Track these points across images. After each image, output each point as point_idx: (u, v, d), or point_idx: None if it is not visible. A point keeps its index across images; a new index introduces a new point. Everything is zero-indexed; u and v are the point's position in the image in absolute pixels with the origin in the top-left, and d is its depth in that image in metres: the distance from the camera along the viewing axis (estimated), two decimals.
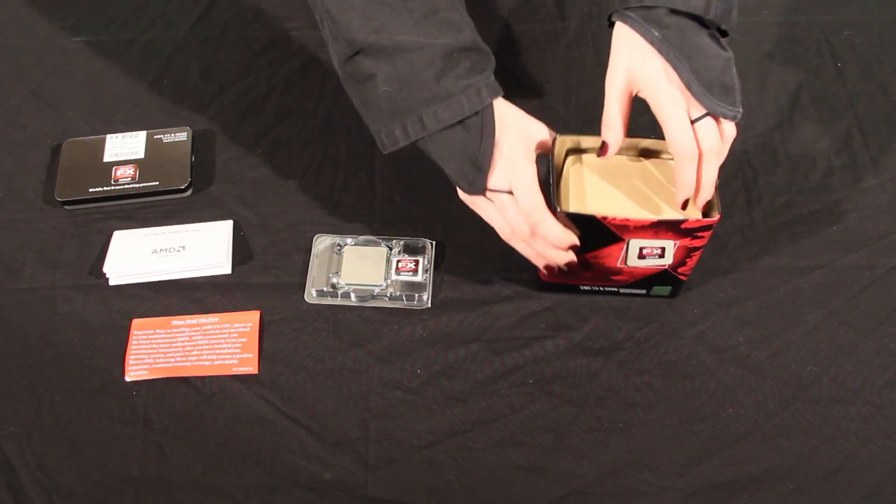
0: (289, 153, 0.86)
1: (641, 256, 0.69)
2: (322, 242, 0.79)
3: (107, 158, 0.84)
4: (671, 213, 0.67)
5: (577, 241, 0.67)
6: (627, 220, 0.65)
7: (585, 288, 0.75)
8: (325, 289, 0.76)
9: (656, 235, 0.66)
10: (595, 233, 0.67)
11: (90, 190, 0.81)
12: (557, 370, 0.72)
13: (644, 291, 0.75)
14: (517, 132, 0.66)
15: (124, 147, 0.84)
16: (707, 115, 0.63)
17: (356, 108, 0.68)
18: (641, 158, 0.71)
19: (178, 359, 0.73)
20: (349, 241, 0.79)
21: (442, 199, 0.82)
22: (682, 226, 0.65)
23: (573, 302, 0.75)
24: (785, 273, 0.77)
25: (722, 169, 0.83)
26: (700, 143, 0.63)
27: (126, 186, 0.82)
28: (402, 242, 0.79)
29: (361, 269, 0.77)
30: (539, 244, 0.68)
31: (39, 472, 0.68)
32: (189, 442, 0.69)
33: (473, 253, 0.79)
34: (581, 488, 0.67)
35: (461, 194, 0.69)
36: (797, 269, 0.77)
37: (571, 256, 0.69)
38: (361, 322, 0.75)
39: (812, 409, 0.70)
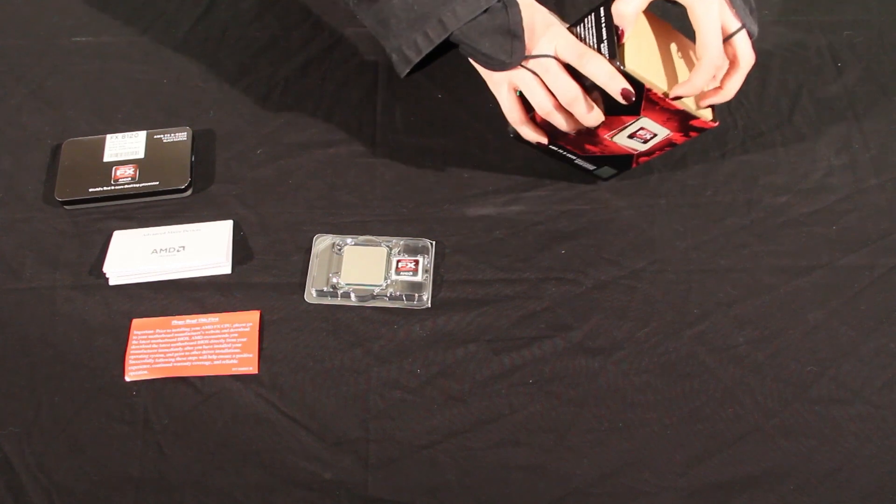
0: (289, 153, 0.86)
1: (632, 136, 0.71)
2: (322, 242, 0.79)
3: (107, 158, 0.84)
4: (689, 105, 0.69)
5: (623, 83, 0.66)
6: (664, 99, 0.66)
7: (553, 148, 0.76)
8: (324, 289, 0.76)
9: (665, 122, 0.69)
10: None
11: (90, 190, 0.81)
12: (557, 370, 0.72)
13: (593, 167, 0.77)
14: (542, 10, 0.69)
15: (124, 147, 0.84)
16: (742, 28, 0.67)
17: (373, 33, 0.71)
18: (679, 33, 0.72)
19: (178, 359, 0.73)
20: (349, 241, 0.79)
21: (442, 199, 0.82)
22: (692, 122, 0.69)
23: (573, 302, 0.76)
24: (785, 273, 0.77)
25: (722, 169, 0.84)
26: (738, 54, 0.68)
27: (126, 186, 0.82)
28: (402, 242, 0.79)
29: (361, 269, 0.77)
30: (579, 107, 0.68)
31: (39, 472, 0.68)
32: (189, 442, 0.69)
33: (473, 253, 0.79)
34: (581, 488, 0.67)
35: (494, 80, 0.71)
36: (797, 269, 0.77)
37: (601, 116, 0.69)
38: (361, 322, 0.75)
39: (812, 409, 0.70)
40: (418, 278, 0.76)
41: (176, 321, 0.75)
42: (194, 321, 0.75)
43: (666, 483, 0.67)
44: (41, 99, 0.90)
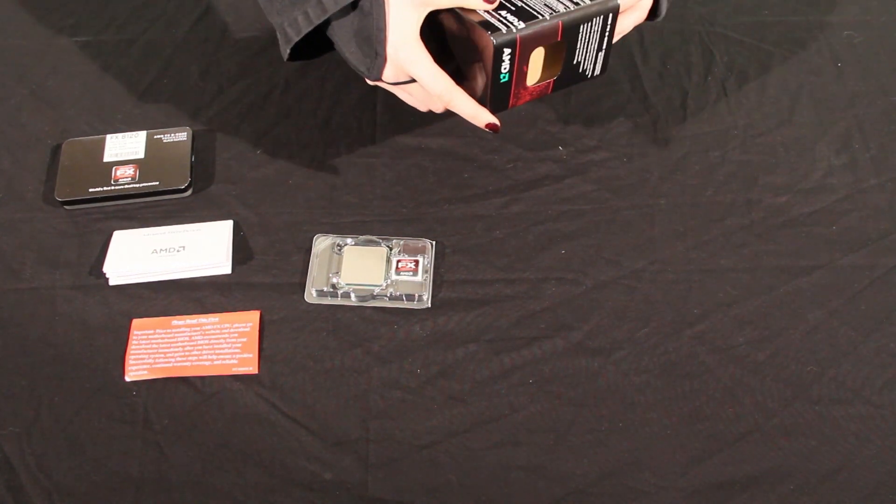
0: (289, 153, 0.86)
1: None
2: (322, 242, 0.79)
3: (107, 158, 0.84)
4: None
5: (493, 120, 0.72)
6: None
7: None
8: (325, 289, 0.76)
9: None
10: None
11: (90, 190, 0.81)
12: (557, 370, 0.72)
13: None
14: (406, 17, 0.68)
15: (124, 147, 0.84)
16: None
17: (264, 10, 0.75)
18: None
19: (178, 359, 0.73)
20: (349, 241, 0.79)
21: (442, 199, 0.82)
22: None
23: (573, 302, 0.76)
24: (785, 273, 0.77)
25: (722, 169, 0.84)
26: None
27: (126, 186, 0.82)
28: (402, 242, 0.79)
29: (361, 269, 0.77)
30: (457, 110, 0.73)
31: (39, 472, 0.68)
32: (189, 442, 0.69)
33: (473, 253, 0.79)
34: (581, 488, 0.67)
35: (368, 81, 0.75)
36: (797, 269, 0.77)
37: (489, 119, 0.73)
38: (361, 322, 0.75)
39: (812, 409, 0.70)
40: (418, 278, 0.76)
41: (176, 321, 0.75)
42: (194, 321, 0.75)
43: (666, 483, 0.67)
44: (41, 99, 0.90)
